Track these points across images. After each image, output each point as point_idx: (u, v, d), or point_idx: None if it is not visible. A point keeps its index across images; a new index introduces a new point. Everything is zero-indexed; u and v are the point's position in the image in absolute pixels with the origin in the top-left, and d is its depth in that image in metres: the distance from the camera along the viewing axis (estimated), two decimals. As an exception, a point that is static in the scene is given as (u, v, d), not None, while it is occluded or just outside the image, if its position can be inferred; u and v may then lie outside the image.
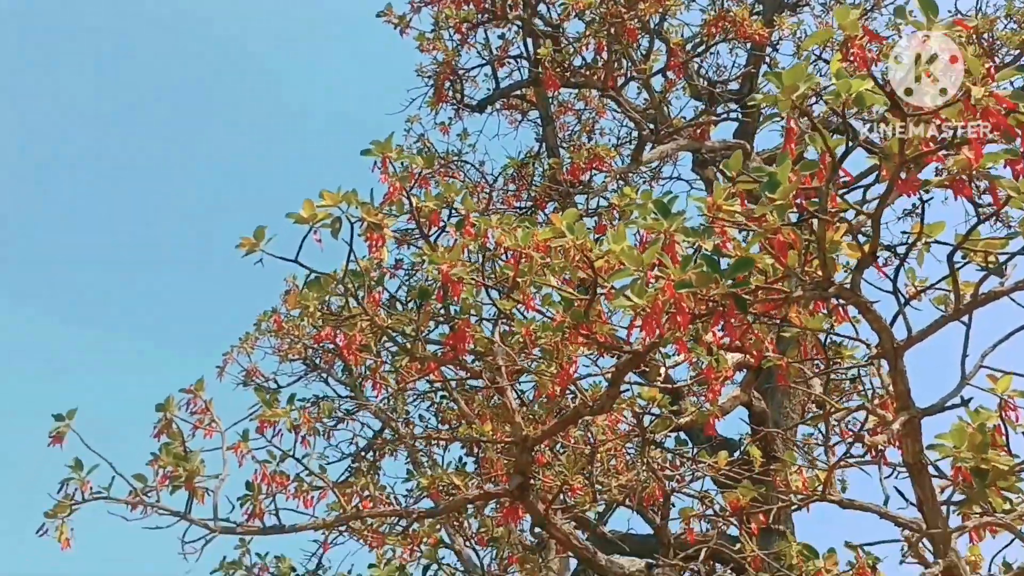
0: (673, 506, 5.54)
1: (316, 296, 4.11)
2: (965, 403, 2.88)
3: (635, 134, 7.19)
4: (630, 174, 7.25)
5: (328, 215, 3.86)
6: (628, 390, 4.57)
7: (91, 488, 4.21)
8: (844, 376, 7.30)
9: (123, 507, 4.22)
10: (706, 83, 7.41)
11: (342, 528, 6.30)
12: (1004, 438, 3.43)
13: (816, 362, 4.67)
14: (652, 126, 6.64)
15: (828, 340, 3.95)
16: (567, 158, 6.56)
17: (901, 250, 3.64)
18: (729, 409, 6.79)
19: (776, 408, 7.08)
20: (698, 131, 6.87)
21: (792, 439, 6.71)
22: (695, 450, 5.72)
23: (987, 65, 2.34)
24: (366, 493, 4.82)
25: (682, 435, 6.33)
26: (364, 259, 4.50)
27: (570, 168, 5.83)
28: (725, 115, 7.27)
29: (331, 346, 5.39)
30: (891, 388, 2.90)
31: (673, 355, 4.98)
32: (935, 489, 2.96)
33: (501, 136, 9.77)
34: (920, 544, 3.02)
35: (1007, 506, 3.38)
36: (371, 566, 5.44)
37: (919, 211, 2.94)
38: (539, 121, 8.34)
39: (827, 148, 2.75)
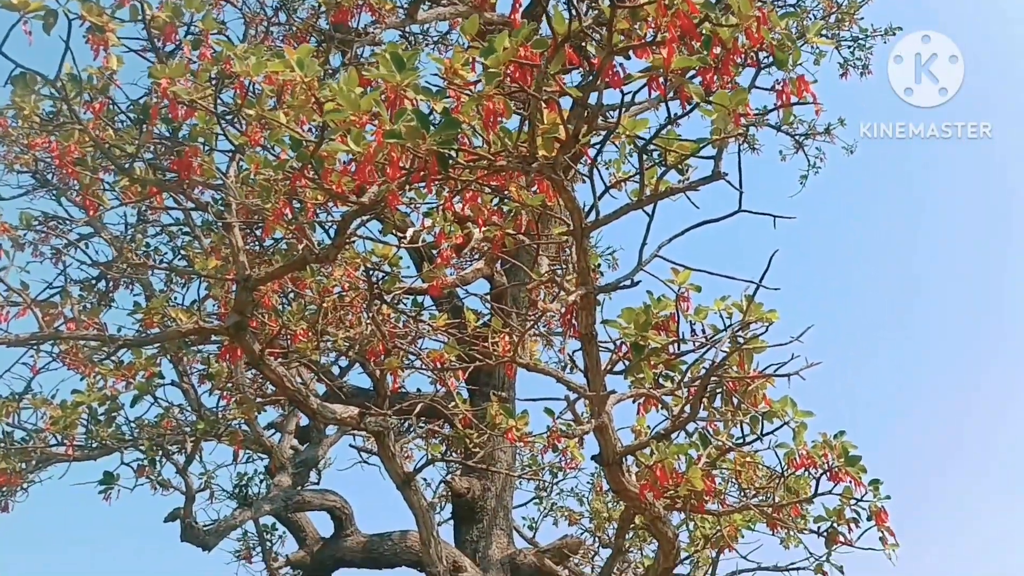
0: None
1: (21, 95, 3.74)
2: (634, 284, 3.19)
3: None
4: (411, 34, 7.06)
5: (42, 6, 3.50)
6: (355, 242, 4.61)
7: None
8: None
9: None
10: (498, -48, 7.28)
11: (54, 353, 6.01)
12: (677, 325, 3.86)
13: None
14: (433, -16, 6.49)
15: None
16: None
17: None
18: (471, 279, 7.08)
19: (517, 282, 7.43)
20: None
21: (525, 312, 7.11)
22: (428, 313, 5.93)
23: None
24: (71, 315, 4.59)
25: (425, 300, 6.53)
26: (94, 66, 4.15)
27: (337, 11, 5.60)
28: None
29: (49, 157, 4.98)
30: (576, 265, 3.14)
31: (410, 214, 5.09)
32: (600, 359, 3.28)
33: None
34: (580, 406, 3.36)
35: (668, 384, 3.84)
36: (74, 391, 5.27)
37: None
38: (328, -41, 7.85)
39: (551, 28, 2.84)
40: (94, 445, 5.68)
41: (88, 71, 4.18)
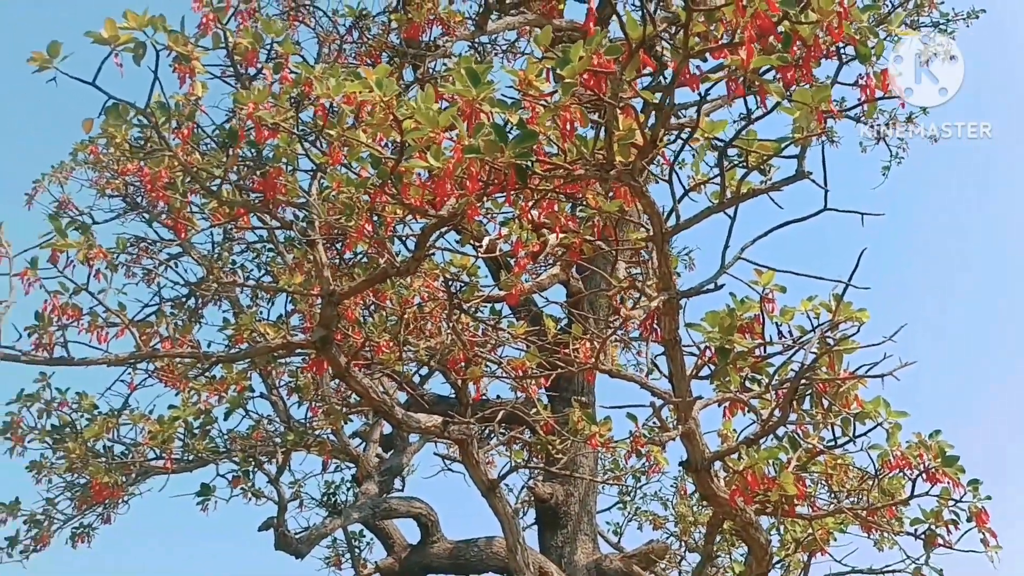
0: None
1: (113, 124, 3.91)
2: (718, 288, 3.14)
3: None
4: (480, 44, 7.10)
5: (132, 39, 3.66)
6: (434, 254, 4.67)
7: None
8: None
9: None
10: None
11: (150, 370, 6.25)
12: (762, 327, 3.79)
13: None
14: (500, -8, 6.53)
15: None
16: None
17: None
18: (548, 285, 7.08)
19: (594, 287, 7.42)
20: (547, 7, 6.82)
21: (606, 318, 7.08)
22: (506, 320, 5.96)
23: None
24: (166, 334, 4.77)
25: (502, 307, 6.57)
26: (180, 94, 4.31)
27: (409, 27, 5.69)
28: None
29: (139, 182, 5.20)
30: (658, 270, 3.12)
31: (486, 224, 5.13)
32: (685, 364, 3.24)
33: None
34: (665, 412, 3.33)
35: (755, 387, 3.78)
36: (171, 407, 5.48)
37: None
38: (398, -25, 7.97)
39: (625, 35, 2.83)
40: (190, 458, 5.90)
41: (175, 98, 4.35)
